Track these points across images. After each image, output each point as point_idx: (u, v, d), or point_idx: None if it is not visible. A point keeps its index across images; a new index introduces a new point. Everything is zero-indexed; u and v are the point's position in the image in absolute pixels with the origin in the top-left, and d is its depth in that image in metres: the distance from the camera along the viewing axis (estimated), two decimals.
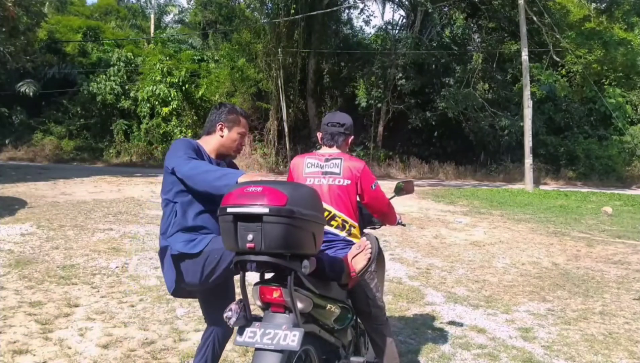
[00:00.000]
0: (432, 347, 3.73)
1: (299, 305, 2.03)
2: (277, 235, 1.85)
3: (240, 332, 2.03)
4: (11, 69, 23.21)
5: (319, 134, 2.86)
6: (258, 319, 2.08)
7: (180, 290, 2.39)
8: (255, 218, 1.84)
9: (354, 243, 2.55)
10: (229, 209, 1.89)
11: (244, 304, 2.06)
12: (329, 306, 2.24)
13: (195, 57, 27.93)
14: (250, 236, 1.86)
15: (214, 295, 2.54)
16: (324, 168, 2.68)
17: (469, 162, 21.35)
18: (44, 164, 21.81)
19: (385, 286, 5.16)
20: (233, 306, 2.07)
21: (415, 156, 21.44)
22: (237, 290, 2.32)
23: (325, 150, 2.80)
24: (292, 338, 1.92)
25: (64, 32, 28.62)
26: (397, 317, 4.32)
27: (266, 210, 1.83)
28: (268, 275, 2.20)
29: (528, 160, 16.48)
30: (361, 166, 2.72)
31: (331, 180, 2.65)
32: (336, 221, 2.61)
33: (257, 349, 1.99)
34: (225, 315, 2.05)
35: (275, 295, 2.05)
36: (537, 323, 4.32)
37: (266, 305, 2.12)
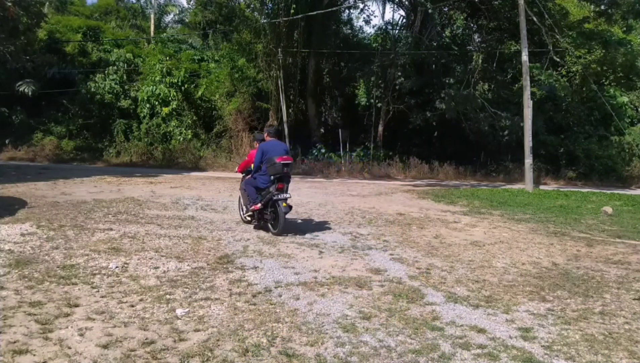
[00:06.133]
0: (432, 347, 3.73)
1: (289, 189, 7.92)
2: (291, 169, 7.90)
3: (276, 196, 7.57)
4: (11, 69, 23.23)
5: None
6: (279, 191, 7.64)
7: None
8: (288, 165, 7.70)
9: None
10: (281, 161, 7.57)
11: (277, 188, 7.61)
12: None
13: (195, 57, 27.96)
14: (286, 169, 7.66)
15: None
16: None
17: (469, 162, 21.31)
18: (44, 164, 21.82)
19: (385, 286, 5.17)
20: (274, 190, 7.62)
21: (415, 156, 21.40)
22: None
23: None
24: (289, 195, 7.81)
25: (64, 32, 28.64)
26: (397, 317, 4.33)
27: (291, 162, 7.86)
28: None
29: (528, 160, 16.48)
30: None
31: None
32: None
33: (278, 200, 7.53)
34: (272, 194, 7.60)
35: (281, 185, 7.64)
36: (537, 323, 4.32)
37: (279, 190, 7.58)
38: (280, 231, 7.47)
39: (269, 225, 7.73)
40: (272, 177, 7.62)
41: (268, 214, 7.70)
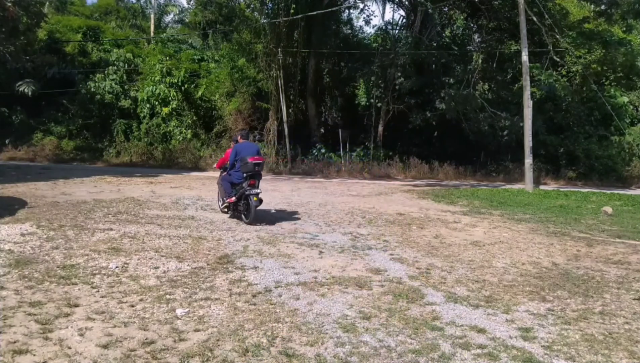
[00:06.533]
0: (432, 347, 3.73)
1: (260, 186, 8.89)
2: (262, 168, 8.82)
3: (248, 191, 8.53)
4: (11, 69, 23.23)
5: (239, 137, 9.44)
6: (251, 187, 8.66)
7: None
8: (259, 164, 8.66)
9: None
10: (252, 161, 8.52)
11: (249, 184, 8.61)
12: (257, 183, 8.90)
13: (195, 57, 27.95)
14: (257, 168, 8.61)
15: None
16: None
17: (469, 162, 21.29)
18: (44, 164, 21.82)
19: (385, 286, 5.17)
20: (246, 186, 8.61)
21: (415, 156, 21.39)
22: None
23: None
24: (260, 190, 8.73)
25: (64, 32, 28.63)
26: (397, 317, 4.33)
27: (262, 161, 8.83)
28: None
29: (528, 160, 16.47)
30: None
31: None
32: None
33: (249, 195, 8.52)
34: (244, 189, 8.61)
35: (252, 182, 8.66)
36: (537, 323, 4.32)
37: (251, 186, 8.61)
38: (251, 221, 8.55)
39: (242, 215, 8.80)
40: (244, 174, 8.67)
41: (241, 206, 8.82)
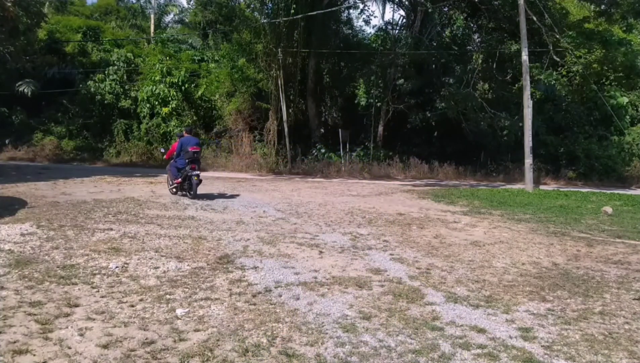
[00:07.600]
0: (432, 347, 3.73)
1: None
2: (199, 155, 11.82)
3: (190, 173, 11.24)
4: (11, 69, 23.24)
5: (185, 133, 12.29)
6: (192, 170, 11.30)
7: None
8: (197, 152, 11.52)
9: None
10: (192, 150, 11.30)
11: (191, 168, 11.22)
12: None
13: (195, 57, 27.93)
14: (196, 155, 11.39)
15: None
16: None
17: (469, 162, 21.27)
18: (44, 164, 21.82)
19: (385, 286, 5.17)
20: (188, 169, 11.25)
21: (415, 156, 21.38)
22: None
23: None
24: (199, 172, 11.42)
25: (64, 32, 28.63)
26: (397, 317, 4.33)
27: (199, 150, 11.71)
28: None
29: (528, 160, 16.47)
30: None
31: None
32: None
33: (191, 176, 11.23)
34: (187, 171, 11.26)
35: (193, 166, 11.22)
36: (537, 323, 4.32)
37: (192, 169, 11.18)
38: (193, 196, 11.19)
39: (187, 193, 11.41)
40: (187, 160, 11.23)
41: (185, 185, 11.45)
